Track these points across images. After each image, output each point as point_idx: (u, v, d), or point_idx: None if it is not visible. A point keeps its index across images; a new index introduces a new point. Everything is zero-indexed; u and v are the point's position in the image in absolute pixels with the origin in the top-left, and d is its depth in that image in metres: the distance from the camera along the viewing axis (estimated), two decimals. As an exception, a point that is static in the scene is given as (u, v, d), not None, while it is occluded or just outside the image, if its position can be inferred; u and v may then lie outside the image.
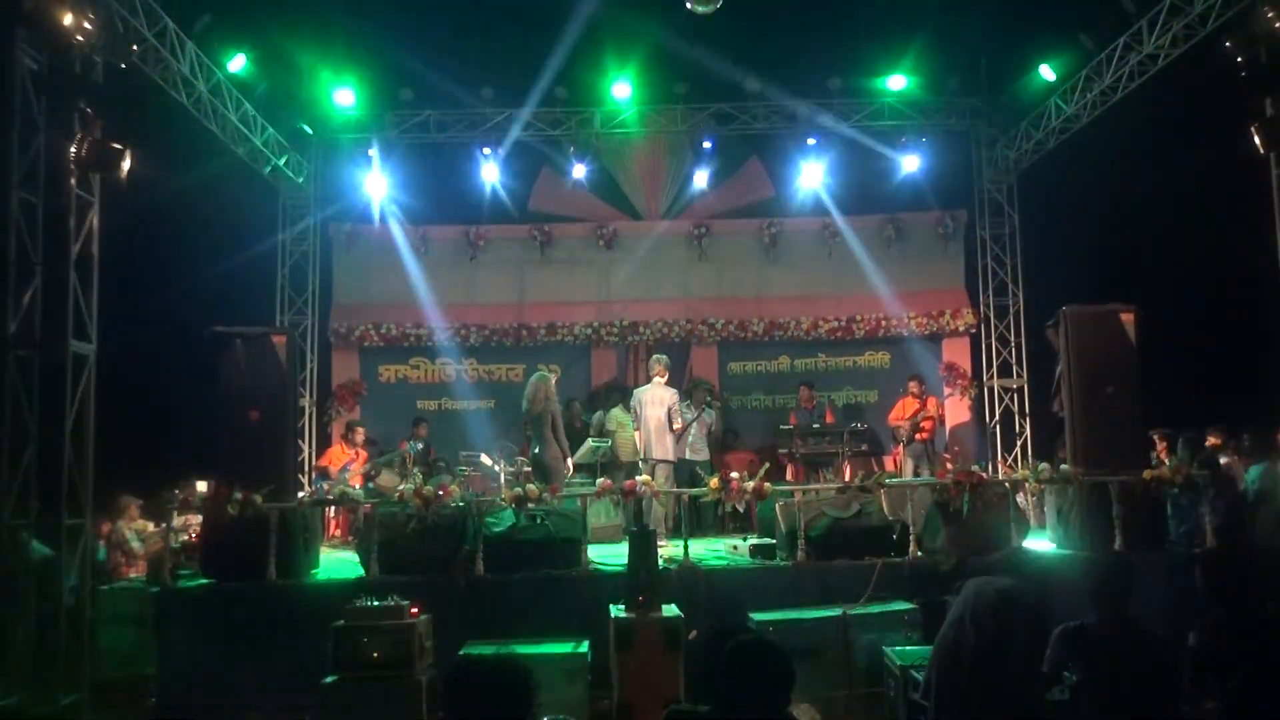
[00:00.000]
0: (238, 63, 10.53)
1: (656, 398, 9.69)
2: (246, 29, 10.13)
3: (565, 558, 7.42)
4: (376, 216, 12.80)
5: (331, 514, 10.43)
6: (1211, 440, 9.04)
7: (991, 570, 4.69)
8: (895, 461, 11.71)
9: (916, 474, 10.89)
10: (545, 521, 7.60)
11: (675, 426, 9.66)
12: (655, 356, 10.26)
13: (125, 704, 7.05)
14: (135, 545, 8.69)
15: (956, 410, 13.05)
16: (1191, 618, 4.15)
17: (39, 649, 6.50)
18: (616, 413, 10.97)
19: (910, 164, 12.55)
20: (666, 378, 9.92)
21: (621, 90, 11.94)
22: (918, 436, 11.31)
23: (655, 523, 9.02)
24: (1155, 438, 8.98)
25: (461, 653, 6.13)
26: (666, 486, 9.24)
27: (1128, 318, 8.17)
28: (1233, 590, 4.11)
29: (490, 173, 12.50)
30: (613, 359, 13.10)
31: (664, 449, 9.56)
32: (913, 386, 11.68)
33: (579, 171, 12.51)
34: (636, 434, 9.80)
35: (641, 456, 9.59)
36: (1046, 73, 11.01)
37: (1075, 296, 8.70)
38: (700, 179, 12.81)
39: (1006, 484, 8.24)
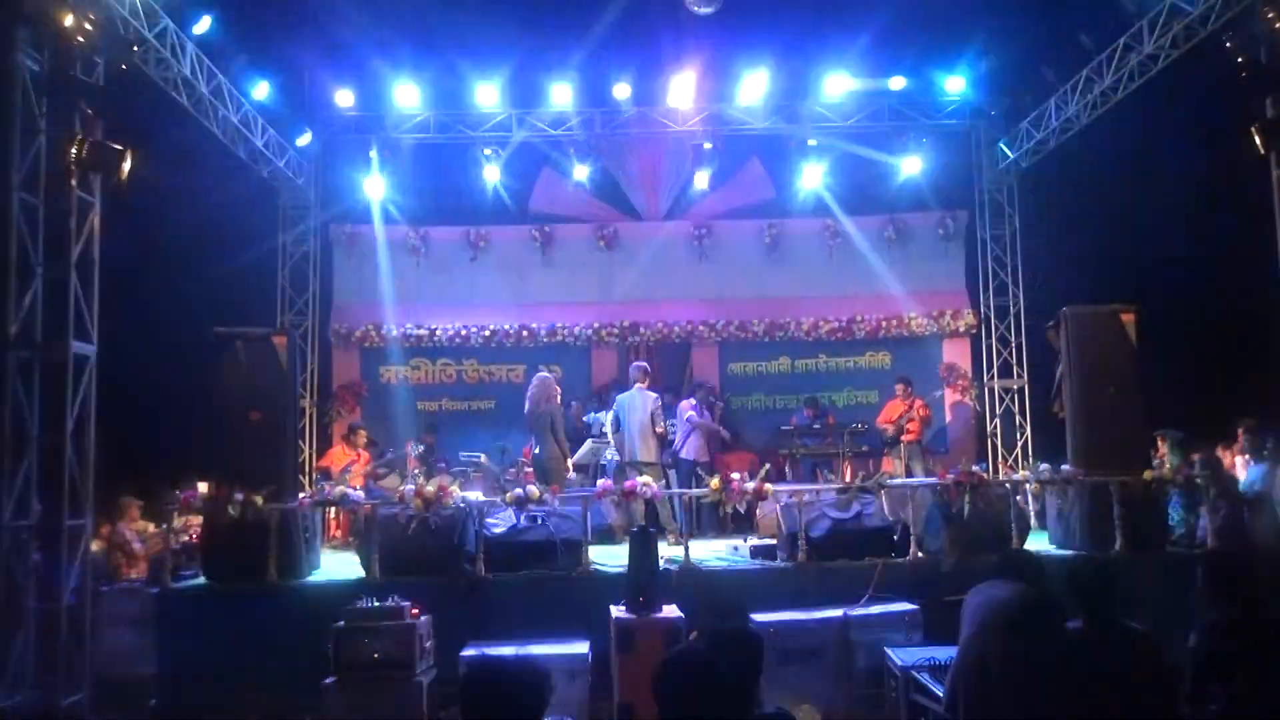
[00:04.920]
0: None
1: (638, 403, 9.73)
2: (247, 30, 10.13)
3: (566, 558, 7.43)
4: (377, 217, 12.82)
5: (332, 515, 10.43)
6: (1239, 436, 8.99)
7: (992, 573, 4.67)
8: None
9: (908, 474, 10.91)
10: (546, 522, 7.61)
11: (658, 429, 9.69)
12: (635, 364, 10.35)
13: (126, 705, 7.06)
14: (136, 546, 8.69)
15: (956, 411, 13.07)
16: (1192, 618, 4.15)
17: (40, 650, 6.50)
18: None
19: (911, 165, 12.55)
20: (648, 383, 9.97)
21: (622, 91, 11.95)
22: (903, 438, 11.34)
23: (665, 522, 9.08)
24: (1158, 439, 8.97)
25: (478, 653, 6.14)
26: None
27: (1128, 318, 8.18)
28: (1233, 591, 4.10)
29: (491, 173, 12.49)
30: (613, 360, 13.10)
31: (648, 452, 9.58)
32: (899, 389, 11.72)
33: (581, 174, 12.51)
34: (615, 437, 9.83)
35: (627, 460, 9.60)
36: None
37: (1075, 297, 8.70)
38: (701, 180, 12.82)
39: (1007, 484, 8.24)
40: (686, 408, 10.77)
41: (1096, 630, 4.09)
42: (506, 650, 6.15)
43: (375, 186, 12.46)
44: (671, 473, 10.28)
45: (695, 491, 9.11)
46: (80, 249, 7.10)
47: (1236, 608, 4.06)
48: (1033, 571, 4.57)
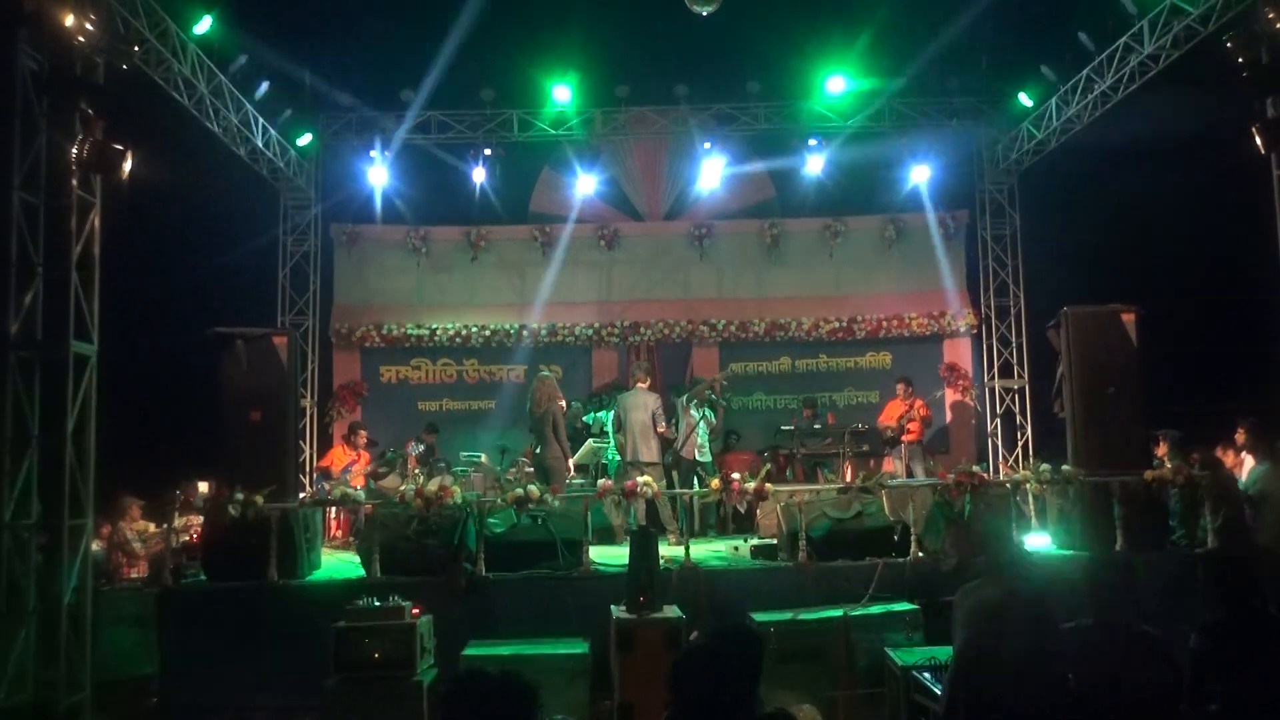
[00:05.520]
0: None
1: (639, 402, 9.74)
2: (248, 30, 10.13)
3: (566, 558, 7.43)
4: (378, 217, 12.83)
5: (333, 515, 10.43)
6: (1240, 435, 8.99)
7: (981, 571, 4.67)
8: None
9: (909, 474, 10.90)
10: (546, 522, 7.61)
11: (660, 429, 9.70)
12: (637, 363, 10.39)
13: (126, 704, 7.05)
14: (137, 546, 8.69)
15: (957, 411, 13.07)
16: (1193, 618, 4.15)
17: (40, 649, 6.51)
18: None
19: (911, 165, 12.54)
20: (649, 383, 9.98)
21: (622, 91, 11.95)
22: (904, 438, 11.34)
23: (666, 522, 9.09)
24: (1159, 438, 8.97)
25: (465, 660, 6.14)
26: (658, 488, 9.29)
27: (1129, 318, 8.17)
28: (1234, 591, 4.10)
29: (491, 174, 12.50)
30: (614, 359, 13.10)
31: (649, 452, 9.58)
32: (899, 389, 11.72)
33: (588, 185, 12.49)
34: (619, 436, 9.83)
35: (629, 460, 9.60)
36: None
37: (1076, 297, 8.69)
38: (701, 180, 12.82)
39: (1008, 484, 8.24)
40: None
41: (1108, 629, 4.09)
42: (503, 651, 6.18)
43: (376, 186, 12.48)
44: (674, 472, 10.28)
45: (696, 491, 9.11)
46: (81, 248, 7.09)
47: (1237, 608, 4.05)
48: (1021, 568, 4.57)
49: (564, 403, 9.88)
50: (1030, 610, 4.29)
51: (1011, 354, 13.22)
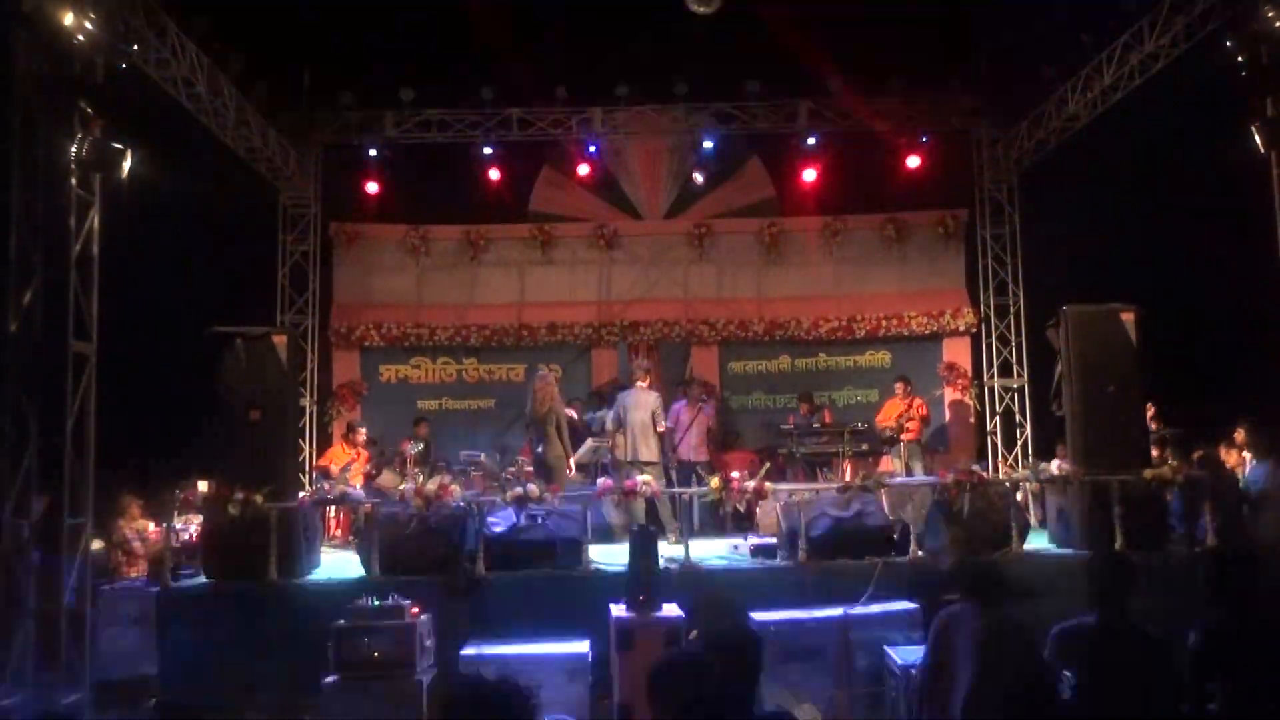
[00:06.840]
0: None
1: (640, 401, 9.74)
2: (248, 29, 10.12)
3: (566, 557, 7.42)
4: (377, 216, 12.82)
5: (332, 514, 10.43)
6: (1239, 435, 8.99)
7: (965, 594, 4.64)
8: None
9: (908, 473, 10.91)
10: (546, 521, 7.61)
11: (660, 428, 9.70)
12: (636, 362, 10.38)
13: (126, 704, 7.05)
14: (136, 545, 8.69)
15: (956, 410, 13.07)
16: (1192, 618, 4.15)
17: (40, 649, 6.50)
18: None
19: (911, 164, 12.55)
20: (649, 382, 9.98)
21: (622, 90, 11.96)
22: (903, 437, 11.34)
23: (666, 521, 9.09)
24: (1166, 437, 8.97)
25: (465, 660, 6.14)
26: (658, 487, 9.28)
27: (1128, 317, 8.17)
28: (1234, 591, 4.10)
29: (490, 172, 12.50)
30: (613, 359, 13.09)
31: (649, 451, 9.59)
32: (898, 388, 11.72)
33: (588, 183, 12.49)
34: (620, 436, 9.84)
35: (629, 459, 9.60)
36: None
37: (1076, 296, 8.69)
38: (701, 179, 12.81)
39: (1007, 484, 8.24)
40: (675, 411, 10.73)
41: (1108, 628, 4.09)
42: (502, 651, 6.17)
43: (376, 185, 12.47)
44: (672, 471, 10.28)
45: (696, 490, 9.11)
46: (80, 248, 7.10)
47: (1237, 608, 4.05)
48: (996, 586, 4.52)
49: (570, 411, 9.87)
50: (1018, 642, 4.24)
51: (1011, 353, 13.22)
